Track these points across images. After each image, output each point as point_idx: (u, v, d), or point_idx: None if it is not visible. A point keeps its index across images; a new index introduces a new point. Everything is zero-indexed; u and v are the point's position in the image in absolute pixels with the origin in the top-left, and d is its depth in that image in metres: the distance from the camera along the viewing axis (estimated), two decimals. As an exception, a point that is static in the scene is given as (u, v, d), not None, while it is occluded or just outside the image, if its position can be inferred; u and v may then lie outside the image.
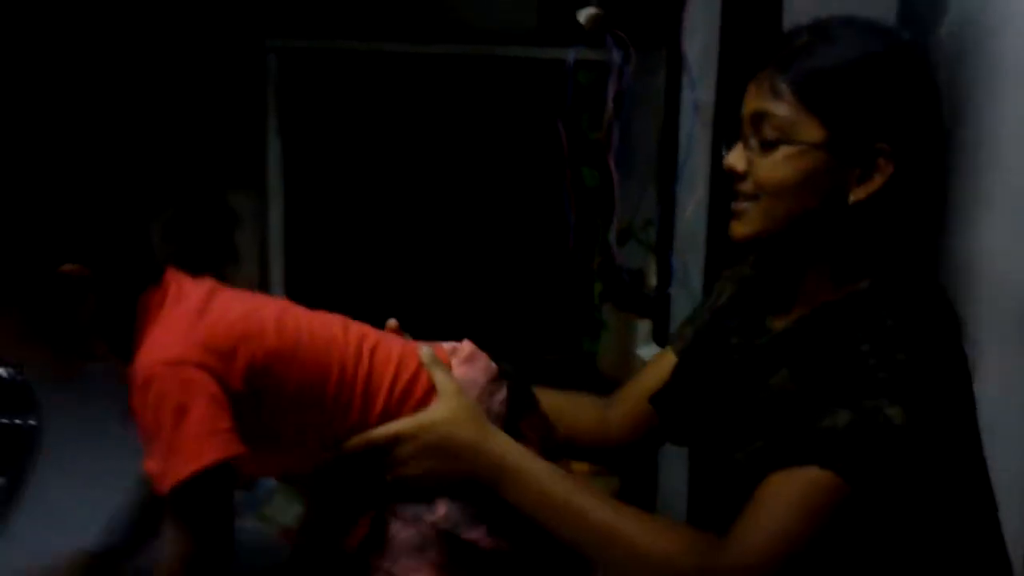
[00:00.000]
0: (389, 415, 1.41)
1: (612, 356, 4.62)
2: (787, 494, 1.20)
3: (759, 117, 1.35)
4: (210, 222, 4.60)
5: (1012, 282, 2.15)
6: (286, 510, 1.84)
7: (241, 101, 4.41)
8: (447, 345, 1.58)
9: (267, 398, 1.32)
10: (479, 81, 4.38)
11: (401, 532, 1.39)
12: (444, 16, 4.27)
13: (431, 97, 4.40)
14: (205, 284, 1.40)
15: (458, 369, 1.50)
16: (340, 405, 1.39)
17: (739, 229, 1.40)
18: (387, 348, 1.47)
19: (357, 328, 1.50)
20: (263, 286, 4.62)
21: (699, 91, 2.82)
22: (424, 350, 1.49)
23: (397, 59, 4.33)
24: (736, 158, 1.38)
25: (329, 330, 1.45)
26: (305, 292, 4.59)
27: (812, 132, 1.31)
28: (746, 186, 1.38)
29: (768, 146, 1.34)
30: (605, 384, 4.64)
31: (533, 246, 4.63)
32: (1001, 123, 2.17)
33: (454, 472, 1.37)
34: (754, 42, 2.41)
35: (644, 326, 4.48)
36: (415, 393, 1.44)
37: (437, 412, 1.40)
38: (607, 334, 4.55)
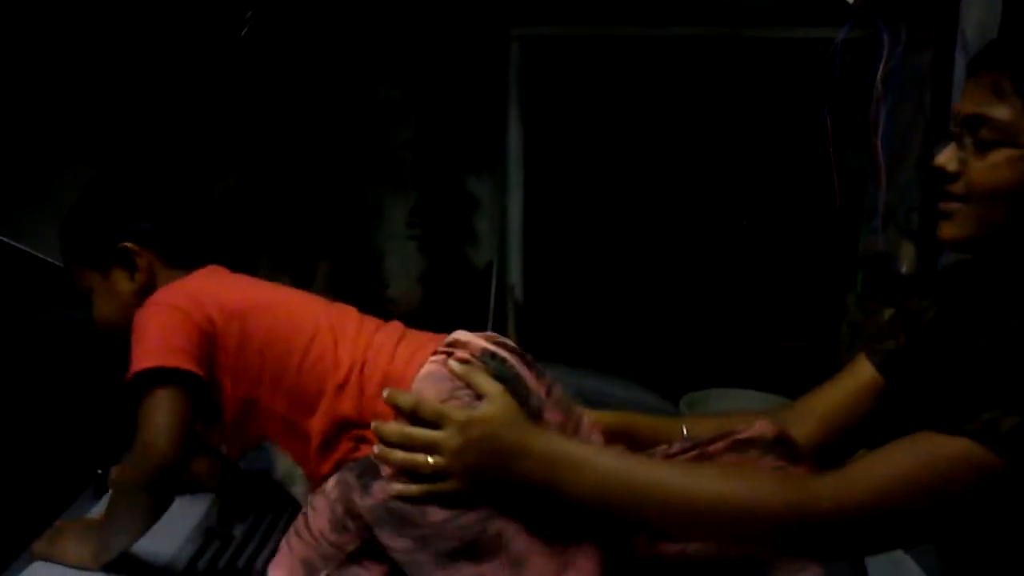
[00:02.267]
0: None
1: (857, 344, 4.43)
2: (926, 451, 1.16)
3: (977, 118, 1.28)
4: (450, 206, 4.70)
5: None
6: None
7: (484, 88, 4.47)
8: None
9: (237, 340, 1.62)
10: (729, 63, 4.30)
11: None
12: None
13: (679, 81, 4.34)
14: (220, 271, 1.83)
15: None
16: (306, 372, 1.61)
17: (948, 231, 1.35)
18: (378, 346, 1.63)
19: (371, 322, 1.72)
20: (500, 268, 4.68)
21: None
22: (455, 365, 1.49)
23: (643, 43, 4.28)
24: (947, 158, 1.33)
25: (314, 307, 1.71)
26: (541, 278, 4.64)
27: None
28: (957, 187, 1.32)
29: (985, 148, 1.27)
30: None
31: (788, 232, 4.49)
32: None
33: (500, 472, 1.34)
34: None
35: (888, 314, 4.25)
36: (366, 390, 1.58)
37: (485, 410, 1.38)
38: (854, 323, 4.38)
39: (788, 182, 4.44)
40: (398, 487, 1.37)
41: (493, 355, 1.52)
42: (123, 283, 1.73)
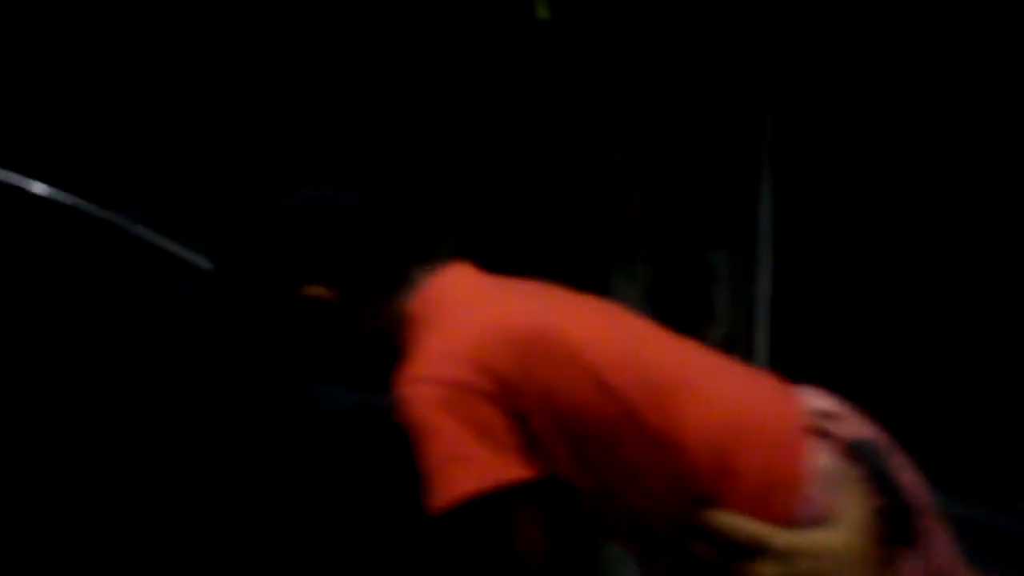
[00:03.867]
0: (743, 504, 1.08)
1: None
2: None
3: None
4: (688, 278, 4.45)
5: None
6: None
7: (736, 155, 4.24)
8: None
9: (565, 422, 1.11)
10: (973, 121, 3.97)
11: None
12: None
13: (947, 143, 4.01)
14: (490, 283, 1.24)
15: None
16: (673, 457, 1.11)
17: None
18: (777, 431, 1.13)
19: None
20: (747, 349, 4.39)
21: None
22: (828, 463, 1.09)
23: (909, 104, 4.00)
24: None
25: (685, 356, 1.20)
26: (790, 360, 4.30)
27: None
28: None
29: None
30: None
31: None
32: None
33: None
34: None
35: None
36: (776, 504, 1.08)
37: (832, 541, 1.05)
38: None
39: None
40: None
41: (867, 447, 1.13)
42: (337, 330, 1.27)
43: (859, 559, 1.07)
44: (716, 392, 1.15)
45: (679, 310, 4.43)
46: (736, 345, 4.38)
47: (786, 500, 1.09)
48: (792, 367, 4.48)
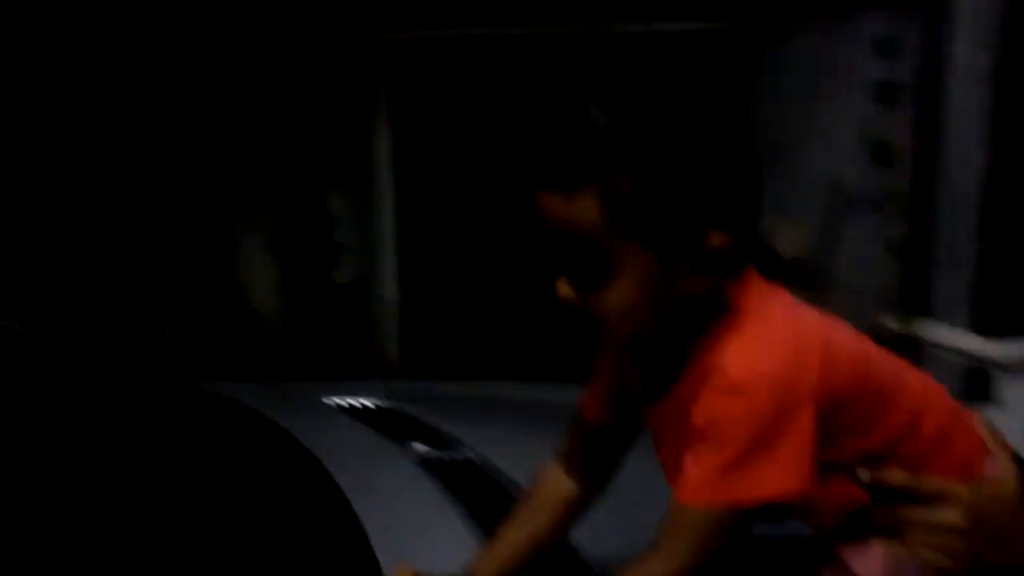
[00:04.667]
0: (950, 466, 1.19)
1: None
2: None
3: None
4: (311, 223, 4.45)
5: None
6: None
7: (351, 98, 4.29)
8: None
9: (834, 431, 1.11)
10: (600, 60, 4.30)
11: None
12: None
13: (551, 80, 4.31)
14: (782, 293, 1.16)
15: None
16: (899, 434, 1.17)
17: None
18: (955, 411, 1.24)
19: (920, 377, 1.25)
20: (377, 289, 4.48)
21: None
22: (981, 419, 1.25)
23: (511, 43, 4.24)
24: None
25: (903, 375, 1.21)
26: (417, 290, 4.45)
27: None
28: None
29: None
30: None
31: None
32: None
33: (986, 559, 1.14)
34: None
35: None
36: (957, 456, 1.20)
37: (994, 492, 1.17)
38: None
39: None
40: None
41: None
42: (682, 283, 1.06)
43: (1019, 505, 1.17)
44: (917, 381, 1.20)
45: (304, 256, 4.42)
46: (367, 286, 4.45)
47: (981, 465, 1.19)
48: (421, 308, 4.65)
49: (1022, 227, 2.55)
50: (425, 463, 1.83)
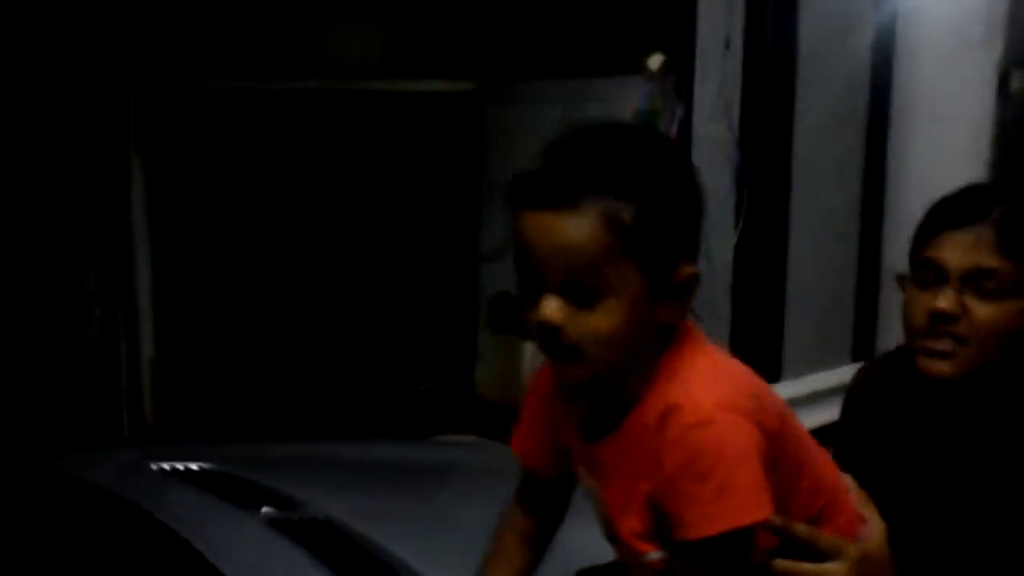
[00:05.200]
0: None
1: (493, 380, 4.75)
2: None
3: (979, 271, 1.44)
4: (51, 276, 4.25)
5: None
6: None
7: (102, 146, 4.15)
8: None
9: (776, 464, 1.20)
10: (349, 115, 4.48)
11: None
12: (301, 52, 4.31)
13: (302, 134, 4.43)
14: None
15: None
16: (804, 497, 1.26)
17: (943, 368, 1.48)
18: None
19: None
20: (133, 343, 4.33)
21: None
22: (850, 482, 1.38)
23: (263, 97, 4.33)
24: (951, 303, 1.46)
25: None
26: (174, 346, 4.36)
27: None
28: (957, 328, 1.46)
29: (989, 295, 1.43)
30: (487, 409, 4.86)
31: (414, 277, 4.70)
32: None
33: None
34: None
35: (531, 346, 4.63)
36: (841, 520, 1.32)
37: (871, 544, 1.32)
38: (487, 358, 4.68)
39: (410, 228, 4.68)
40: None
41: None
42: (655, 312, 1.12)
43: (888, 559, 1.31)
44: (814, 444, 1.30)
45: (51, 309, 4.21)
46: (119, 340, 4.30)
47: (860, 525, 1.30)
48: (178, 364, 4.53)
49: (771, 287, 2.93)
50: (276, 524, 1.88)
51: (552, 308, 1.09)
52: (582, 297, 1.08)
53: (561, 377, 1.18)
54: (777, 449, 1.16)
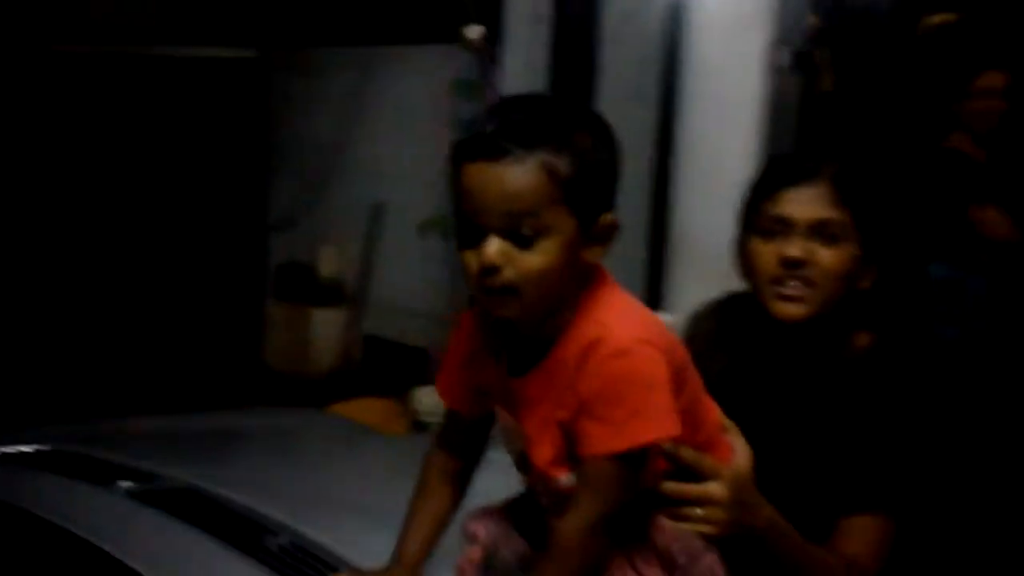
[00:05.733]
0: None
1: (282, 350, 4.73)
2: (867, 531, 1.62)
3: (822, 222, 1.64)
4: None
5: (707, 243, 3.04)
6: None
7: None
8: None
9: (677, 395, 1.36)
10: (126, 80, 4.35)
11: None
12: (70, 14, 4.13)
13: (75, 99, 4.23)
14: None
15: None
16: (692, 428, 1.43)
17: (796, 310, 1.65)
18: None
19: None
20: None
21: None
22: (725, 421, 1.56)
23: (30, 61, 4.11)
24: (801, 250, 1.63)
25: None
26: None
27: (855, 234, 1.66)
28: (807, 273, 1.64)
29: (832, 241, 1.63)
30: (276, 379, 4.81)
31: (197, 243, 4.64)
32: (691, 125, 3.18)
33: (740, 525, 1.46)
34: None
35: (320, 314, 4.68)
36: (718, 449, 1.50)
37: (742, 467, 1.49)
38: (275, 329, 4.66)
39: (194, 198, 4.59)
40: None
41: None
42: (582, 255, 1.27)
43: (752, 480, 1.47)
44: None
45: None
46: None
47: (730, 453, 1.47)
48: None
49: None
50: (138, 496, 1.83)
51: (494, 248, 1.22)
52: (522, 239, 1.22)
53: (497, 313, 1.30)
54: (680, 382, 1.33)
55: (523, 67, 3.01)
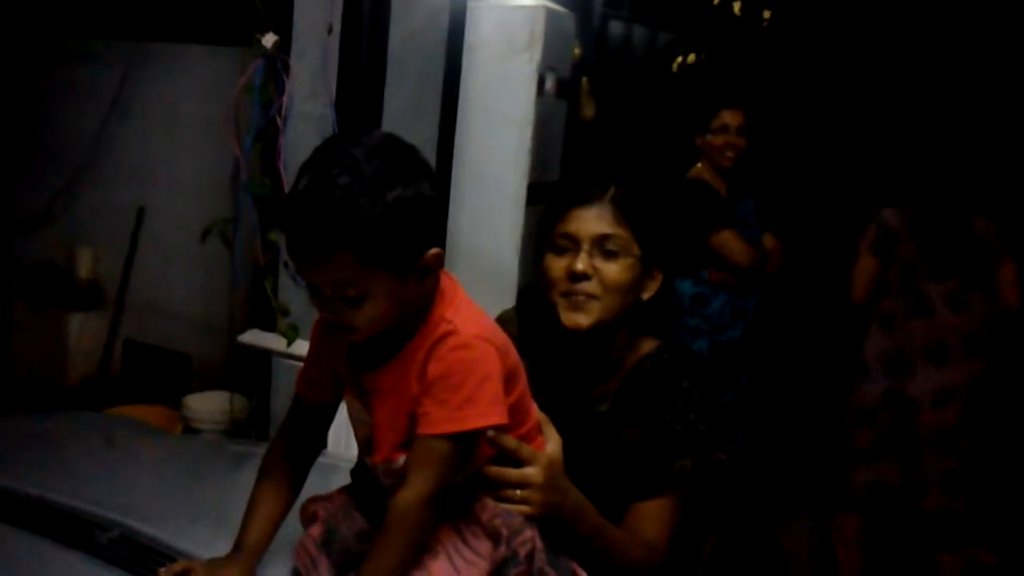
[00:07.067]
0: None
1: (31, 354, 4.51)
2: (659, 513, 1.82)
3: (604, 237, 1.80)
4: None
5: (480, 255, 3.40)
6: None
7: None
8: None
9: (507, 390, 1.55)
10: None
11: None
12: None
13: None
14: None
15: None
16: (515, 420, 1.61)
17: (582, 320, 1.81)
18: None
19: None
20: None
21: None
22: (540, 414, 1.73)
23: None
24: (585, 264, 1.80)
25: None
26: None
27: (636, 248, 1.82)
28: (591, 286, 1.80)
29: (614, 256, 1.80)
30: (20, 384, 4.48)
31: None
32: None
33: (553, 506, 1.64)
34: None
35: (75, 318, 4.47)
36: (535, 440, 1.68)
37: (555, 455, 1.67)
38: (24, 332, 4.41)
39: None
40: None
41: None
42: (412, 289, 1.45)
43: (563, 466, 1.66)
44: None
45: None
46: None
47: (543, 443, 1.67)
48: None
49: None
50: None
51: (332, 309, 1.44)
52: (352, 300, 1.42)
53: (345, 340, 1.51)
54: (512, 379, 1.55)
55: (311, 78, 3.06)
